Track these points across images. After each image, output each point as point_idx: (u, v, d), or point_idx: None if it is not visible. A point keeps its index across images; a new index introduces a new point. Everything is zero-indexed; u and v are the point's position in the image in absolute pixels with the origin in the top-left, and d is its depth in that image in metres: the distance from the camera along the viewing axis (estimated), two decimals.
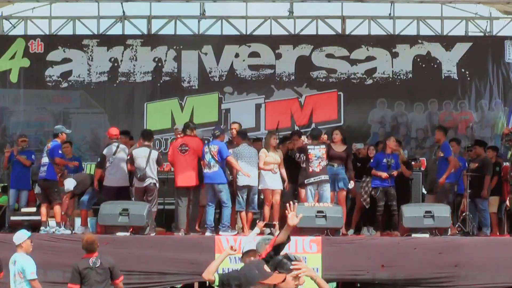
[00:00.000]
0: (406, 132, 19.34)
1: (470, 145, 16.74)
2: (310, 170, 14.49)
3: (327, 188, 14.57)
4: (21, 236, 11.16)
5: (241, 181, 14.48)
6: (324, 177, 14.54)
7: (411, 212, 14.27)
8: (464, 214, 15.44)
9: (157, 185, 14.72)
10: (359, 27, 20.04)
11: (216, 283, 8.61)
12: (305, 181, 14.55)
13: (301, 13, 20.04)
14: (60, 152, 14.87)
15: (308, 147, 14.60)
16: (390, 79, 19.67)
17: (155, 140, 17.73)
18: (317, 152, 14.55)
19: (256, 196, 14.62)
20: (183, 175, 14.61)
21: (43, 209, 14.78)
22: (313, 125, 19.15)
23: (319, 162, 14.52)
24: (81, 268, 10.68)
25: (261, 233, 11.88)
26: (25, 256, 10.91)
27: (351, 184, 14.95)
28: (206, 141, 15.11)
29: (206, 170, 14.44)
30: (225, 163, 14.49)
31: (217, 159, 14.36)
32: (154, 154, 14.76)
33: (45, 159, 14.85)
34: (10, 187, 16.31)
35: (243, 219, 14.54)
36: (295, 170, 14.97)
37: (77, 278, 10.68)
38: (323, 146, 14.67)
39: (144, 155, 14.63)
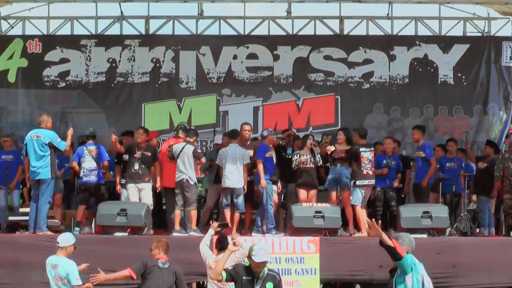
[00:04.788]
0: (402, 137, 19.33)
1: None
2: (364, 172, 14.47)
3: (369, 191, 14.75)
4: (68, 239, 10.55)
5: (224, 183, 14.48)
6: (374, 181, 14.69)
7: (409, 212, 14.27)
8: (462, 214, 15.51)
9: (191, 182, 14.44)
10: (357, 28, 20.06)
11: (224, 279, 8.76)
12: (359, 182, 14.50)
13: (299, 13, 20.07)
14: (107, 155, 15.11)
15: (361, 149, 14.57)
16: (387, 84, 19.72)
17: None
18: (368, 155, 14.58)
19: (242, 197, 14.50)
20: (171, 176, 14.64)
21: (80, 211, 14.97)
22: (310, 129, 19.21)
23: (371, 166, 14.60)
24: (149, 264, 10.50)
25: (216, 233, 11.94)
26: (68, 261, 10.36)
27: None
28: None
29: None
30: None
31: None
32: (188, 148, 14.57)
33: (91, 164, 14.88)
34: None
35: (226, 216, 14.54)
36: (286, 169, 15.05)
37: (140, 269, 10.48)
38: (372, 149, 14.80)
39: (177, 150, 14.56)
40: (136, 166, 14.63)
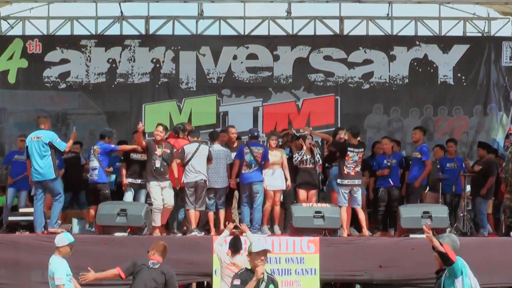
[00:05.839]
0: (401, 137, 19.32)
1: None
2: (345, 172, 14.47)
3: (359, 192, 14.63)
4: (62, 240, 10.66)
5: (208, 183, 14.52)
6: (358, 181, 14.58)
7: (408, 212, 14.28)
8: (462, 214, 15.51)
9: (207, 182, 14.45)
10: (357, 28, 20.06)
11: None
12: (339, 181, 14.55)
13: (299, 14, 20.06)
14: (113, 146, 15.10)
15: (349, 149, 14.58)
16: (387, 84, 19.71)
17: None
18: (354, 155, 14.54)
19: (224, 197, 14.76)
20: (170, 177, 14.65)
21: (92, 211, 14.93)
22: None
23: (354, 167, 14.53)
24: (139, 263, 10.41)
25: (231, 234, 11.94)
26: (58, 260, 10.47)
27: None
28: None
29: (245, 171, 14.57)
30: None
31: (260, 161, 14.53)
32: (204, 149, 14.55)
33: (94, 163, 14.89)
34: (8, 186, 16.33)
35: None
36: (291, 170, 15.05)
37: (129, 269, 10.38)
38: (362, 150, 14.75)
39: (191, 151, 14.49)
40: (158, 164, 14.41)
